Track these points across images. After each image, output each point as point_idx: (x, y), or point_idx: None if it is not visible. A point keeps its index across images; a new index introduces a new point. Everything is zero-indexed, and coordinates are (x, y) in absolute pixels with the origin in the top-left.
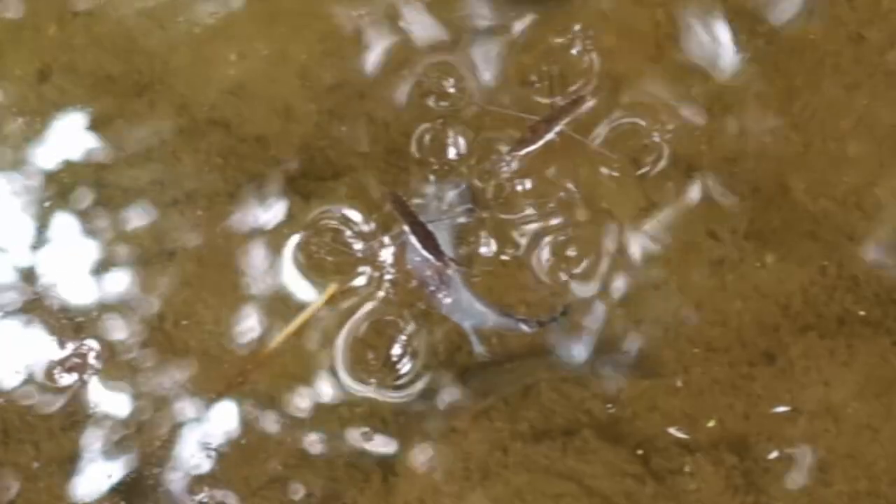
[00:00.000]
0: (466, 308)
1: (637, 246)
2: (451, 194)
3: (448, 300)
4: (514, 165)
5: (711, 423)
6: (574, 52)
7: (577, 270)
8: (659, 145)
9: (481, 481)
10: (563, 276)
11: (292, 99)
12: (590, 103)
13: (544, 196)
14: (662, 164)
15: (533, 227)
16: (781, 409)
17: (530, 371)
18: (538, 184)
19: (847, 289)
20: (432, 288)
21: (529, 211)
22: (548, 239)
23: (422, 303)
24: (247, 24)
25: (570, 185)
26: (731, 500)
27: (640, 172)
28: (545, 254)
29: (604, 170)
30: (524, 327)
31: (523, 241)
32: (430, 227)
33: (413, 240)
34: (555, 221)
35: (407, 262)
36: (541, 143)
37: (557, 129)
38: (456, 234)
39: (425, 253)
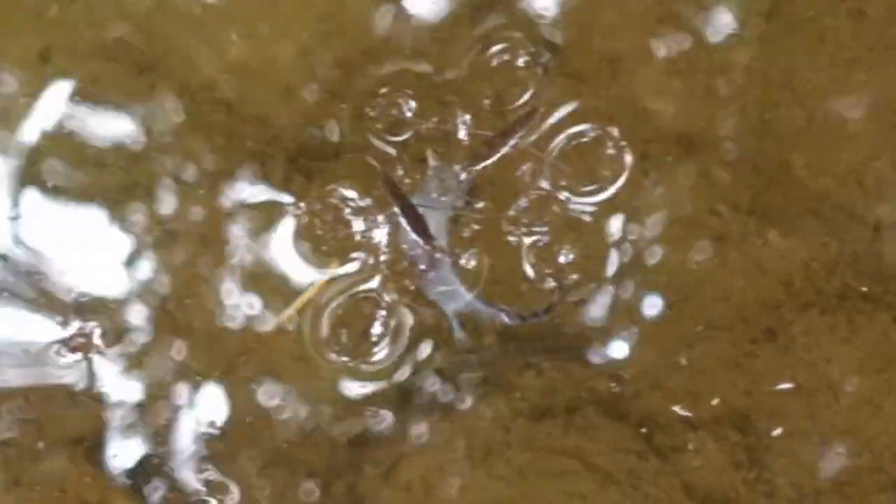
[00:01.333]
0: (451, 293)
1: (636, 224)
2: (450, 181)
3: (435, 283)
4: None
5: (715, 401)
6: (522, 61)
7: (575, 254)
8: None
9: (483, 460)
10: (561, 260)
11: (293, 79)
12: (547, 115)
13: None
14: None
15: (526, 214)
16: (783, 385)
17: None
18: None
19: (848, 265)
20: (422, 268)
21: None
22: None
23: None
24: (248, 4)
25: (561, 164)
26: (733, 476)
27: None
28: (539, 241)
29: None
30: (506, 318)
31: (516, 230)
32: (426, 210)
33: (402, 221)
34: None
35: (401, 242)
36: (496, 157)
37: (513, 142)
38: (451, 220)
39: (413, 235)
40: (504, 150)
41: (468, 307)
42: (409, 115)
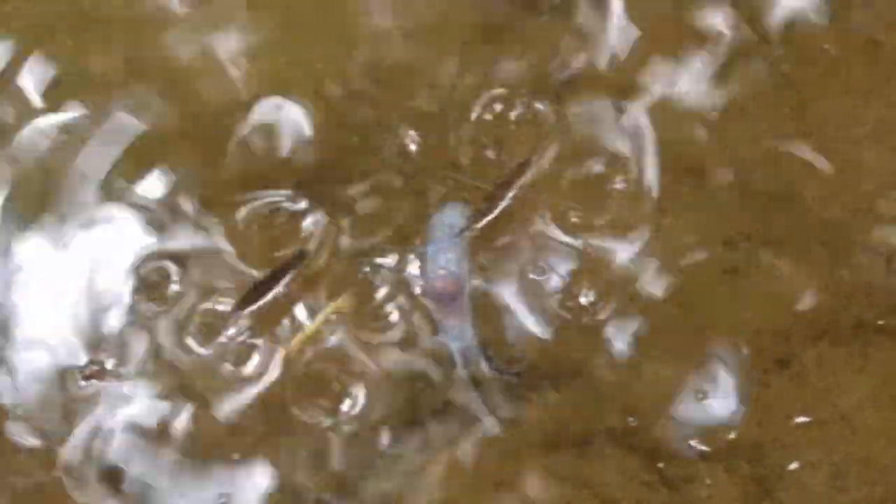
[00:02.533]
0: (460, 330)
1: (648, 255)
2: (454, 216)
3: (451, 321)
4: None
5: (734, 436)
6: (515, 114)
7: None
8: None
9: (493, 491)
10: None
11: (303, 105)
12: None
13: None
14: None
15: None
16: (795, 416)
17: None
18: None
19: (861, 296)
20: (446, 303)
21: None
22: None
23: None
24: (257, 28)
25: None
26: None
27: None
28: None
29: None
30: (484, 365)
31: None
32: (441, 247)
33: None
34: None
35: (422, 276)
36: (497, 211)
37: (511, 194)
38: (467, 252)
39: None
40: (504, 203)
41: (466, 345)
42: (413, 147)
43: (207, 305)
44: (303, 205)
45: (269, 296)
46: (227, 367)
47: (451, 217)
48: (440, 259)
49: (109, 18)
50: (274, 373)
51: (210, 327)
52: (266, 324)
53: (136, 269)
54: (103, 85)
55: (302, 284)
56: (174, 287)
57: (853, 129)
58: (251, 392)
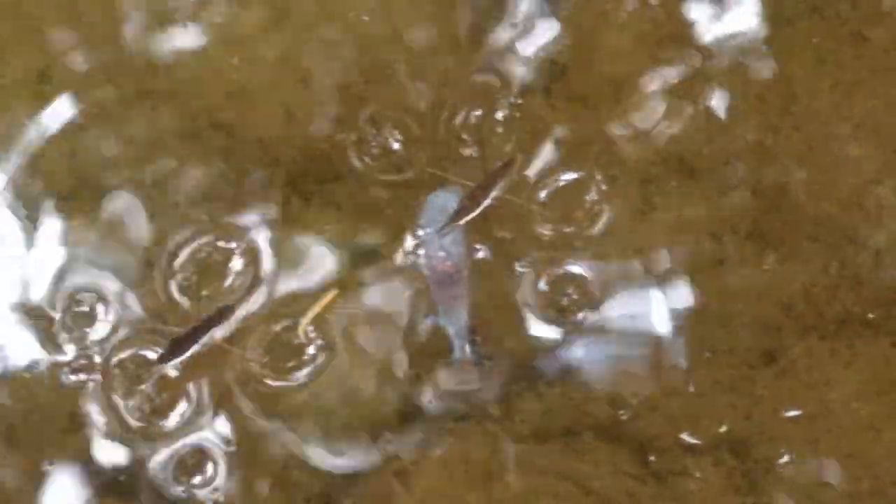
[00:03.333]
0: (457, 312)
1: (635, 249)
2: (447, 199)
3: (454, 301)
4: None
5: (714, 425)
6: (502, 111)
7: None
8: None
9: (483, 483)
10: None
11: (294, 102)
12: (528, 163)
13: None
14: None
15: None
16: (783, 409)
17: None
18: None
19: (848, 289)
20: (447, 286)
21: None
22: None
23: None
24: (250, 29)
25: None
26: (732, 500)
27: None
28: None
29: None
30: (468, 349)
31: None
32: (438, 233)
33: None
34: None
35: (423, 258)
36: (479, 209)
37: (494, 193)
38: (464, 235)
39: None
40: (487, 201)
41: (461, 329)
42: (397, 146)
43: (130, 354)
44: (232, 247)
45: (193, 350)
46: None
47: (444, 200)
48: (440, 242)
49: None
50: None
51: (132, 379)
52: (189, 377)
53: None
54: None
55: (225, 338)
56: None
57: (841, 124)
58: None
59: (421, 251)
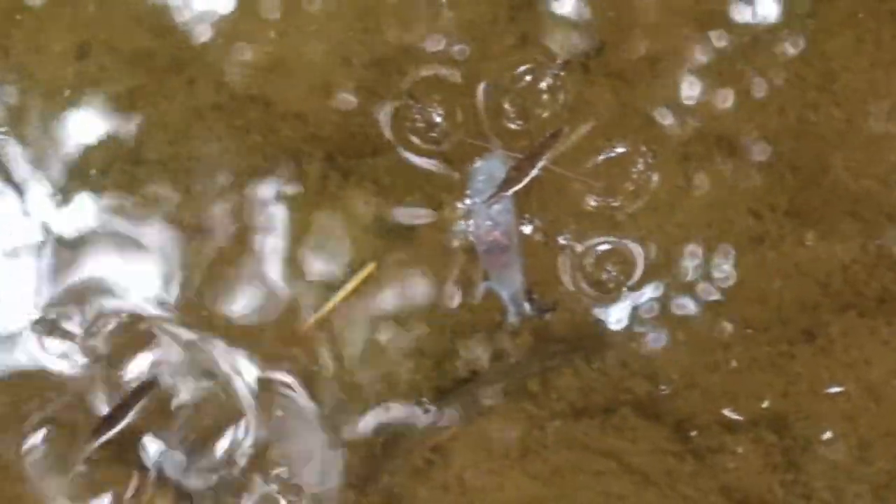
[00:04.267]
0: (510, 278)
1: (674, 226)
2: (495, 166)
3: (497, 267)
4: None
5: (753, 403)
6: (542, 79)
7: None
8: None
9: (520, 459)
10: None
11: (331, 76)
12: (575, 134)
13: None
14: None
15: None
16: (822, 387)
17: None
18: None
19: (888, 267)
20: (496, 254)
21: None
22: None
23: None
24: (286, 1)
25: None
26: (770, 478)
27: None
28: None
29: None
30: (527, 307)
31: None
32: (485, 203)
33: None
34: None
35: (472, 225)
36: (526, 180)
37: (541, 164)
38: (513, 203)
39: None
40: (533, 172)
41: (517, 292)
42: (439, 120)
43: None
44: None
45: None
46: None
47: (492, 168)
48: (489, 211)
49: None
50: None
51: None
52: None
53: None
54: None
55: (154, 412)
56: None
57: (880, 102)
58: None
59: (469, 220)
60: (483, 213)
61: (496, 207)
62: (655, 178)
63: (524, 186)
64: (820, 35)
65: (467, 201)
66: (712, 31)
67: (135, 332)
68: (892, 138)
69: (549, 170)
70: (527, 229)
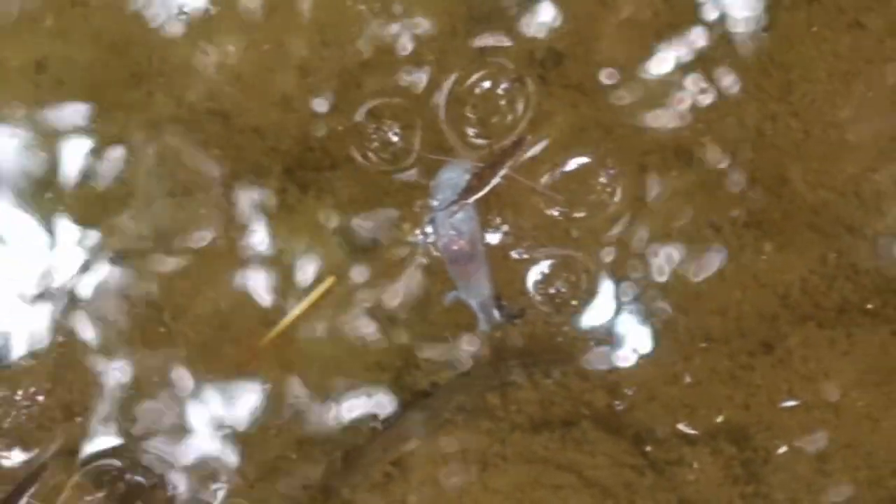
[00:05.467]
0: (477, 286)
1: (633, 237)
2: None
3: (464, 276)
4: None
5: (712, 415)
6: (502, 89)
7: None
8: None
9: (480, 472)
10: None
11: (290, 90)
12: (536, 144)
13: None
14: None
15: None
16: (781, 399)
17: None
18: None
19: (846, 278)
20: (461, 263)
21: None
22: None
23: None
24: (245, 15)
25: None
26: (730, 490)
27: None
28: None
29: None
30: (496, 314)
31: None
32: (451, 210)
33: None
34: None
35: (434, 235)
36: (487, 188)
37: (502, 172)
38: (476, 210)
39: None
40: (495, 180)
41: (486, 300)
42: (397, 132)
43: None
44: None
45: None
46: None
47: (454, 176)
48: (451, 220)
49: None
50: None
51: None
52: None
53: None
54: None
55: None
56: None
57: (838, 112)
58: None
59: (431, 230)
60: (446, 222)
61: (459, 216)
62: (613, 189)
63: (486, 195)
64: (779, 46)
65: (431, 212)
66: (671, 43)
67: None
68: (851, 149)
69: (511, 179)
70: (493, 238)
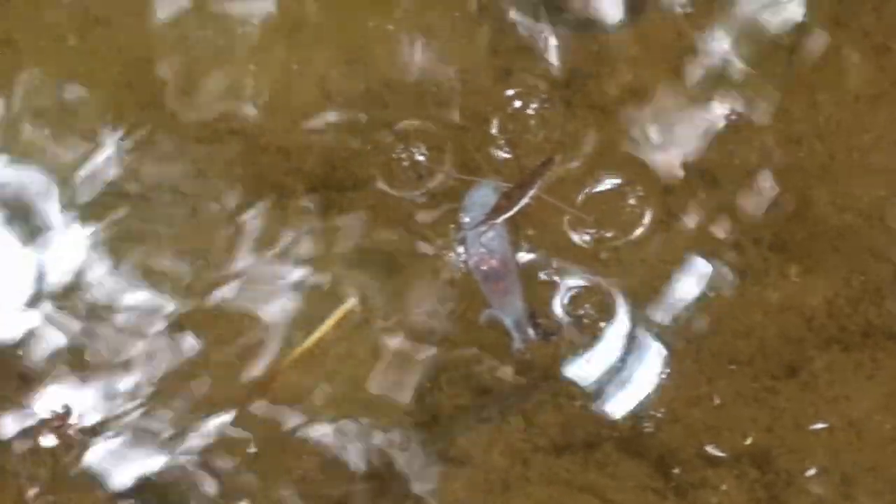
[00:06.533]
0: (511, 304)
1: (659, 260)
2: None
3: (498, 295)
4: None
5: (736, 438)
6: (530, 109)
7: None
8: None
9: (503, 494)
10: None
11: (314, 109)
12: (564, 164)
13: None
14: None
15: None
16: (805, 422)
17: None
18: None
19: (871, 302)
20: (493, 280)
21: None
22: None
23: None
24: (268, 34)
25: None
26: None
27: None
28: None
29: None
30: (531, 333)
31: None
32: (480, 229)
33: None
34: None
35: (465, 254)
36: (516, 208)
37: (531, 193)
38: (507, 228)
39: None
40: (524, 201)
41: (516, 317)
42: (423, 153)
43: None
44: None
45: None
46: None
47: (484, 196)
48: (481, 238)
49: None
50: None
51: None
52: None
53: None
54: None
55: None
56: None
57: (863, 136)
58: None
59: (461, 249)
60: (476, 241)
61: (490, 235)
62: (638, 211)
63: (516, 215)
64: (804, 69)
65: (460, 231)
66: (694, 64)
67: None
68: (875, 172)
69: (540, 199)
70: (523, 257)
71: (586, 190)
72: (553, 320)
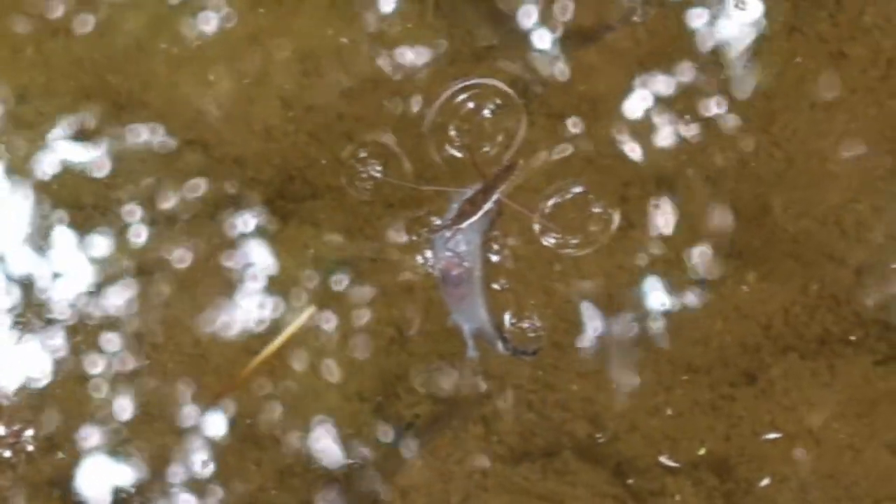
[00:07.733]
0: (471, 311)
1: (616, 268)
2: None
3: (459, 301)
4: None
5: (694, 446)
6: (489, 116)
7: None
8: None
9: (461, 503)
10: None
11: (271, 119)
12: (525, 170)
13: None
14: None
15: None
16: (763, 431)
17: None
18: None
19: (828, 309)
20: (453, 285)
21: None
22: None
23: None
24: (225, 46)
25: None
26: None
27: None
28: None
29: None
30: (500, 346)
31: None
32: (445, 235)
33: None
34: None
35: (433, 258)
36: (480, 213)
37: (494, 197)
38: (483, 235)
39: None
40: (487, 206)
41: (479, 327)
42: (379, 167)
43: None
44: None
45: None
46: None
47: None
48: (449, 244)
49: None
50: None
51: None
52: None
53: None
54: None
55: None
56: None
57: (820, 142)
58: None
59: (428, 252)
60: (442, 246)
61: (459, 239)
62: (595, 219)
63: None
64: (761, 76)
65: (427, 236)
66: (653, 73)
67: None
68: (833, 179)
69: (503, 204)
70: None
71: (549, 198)
72: (534, 342)
